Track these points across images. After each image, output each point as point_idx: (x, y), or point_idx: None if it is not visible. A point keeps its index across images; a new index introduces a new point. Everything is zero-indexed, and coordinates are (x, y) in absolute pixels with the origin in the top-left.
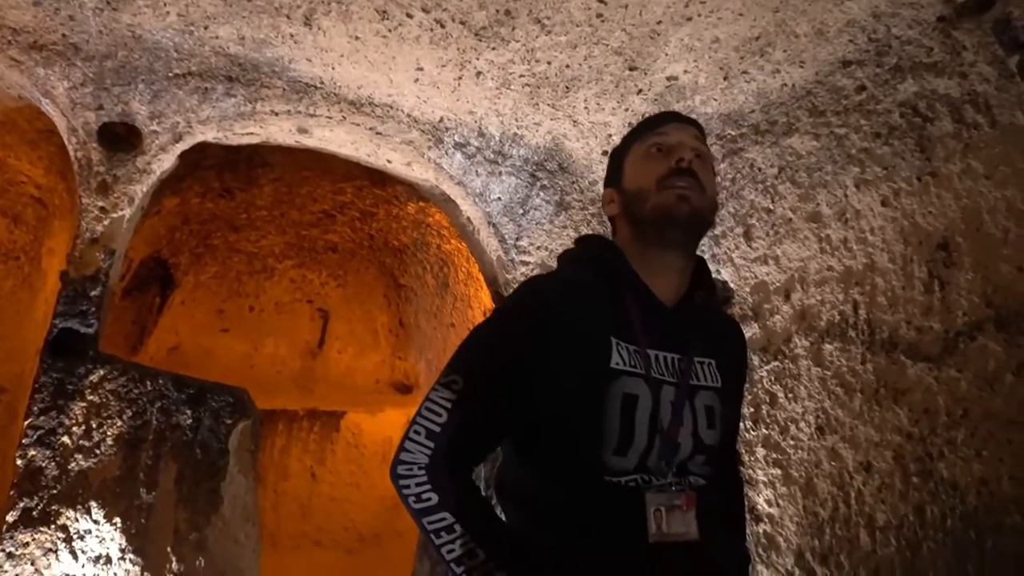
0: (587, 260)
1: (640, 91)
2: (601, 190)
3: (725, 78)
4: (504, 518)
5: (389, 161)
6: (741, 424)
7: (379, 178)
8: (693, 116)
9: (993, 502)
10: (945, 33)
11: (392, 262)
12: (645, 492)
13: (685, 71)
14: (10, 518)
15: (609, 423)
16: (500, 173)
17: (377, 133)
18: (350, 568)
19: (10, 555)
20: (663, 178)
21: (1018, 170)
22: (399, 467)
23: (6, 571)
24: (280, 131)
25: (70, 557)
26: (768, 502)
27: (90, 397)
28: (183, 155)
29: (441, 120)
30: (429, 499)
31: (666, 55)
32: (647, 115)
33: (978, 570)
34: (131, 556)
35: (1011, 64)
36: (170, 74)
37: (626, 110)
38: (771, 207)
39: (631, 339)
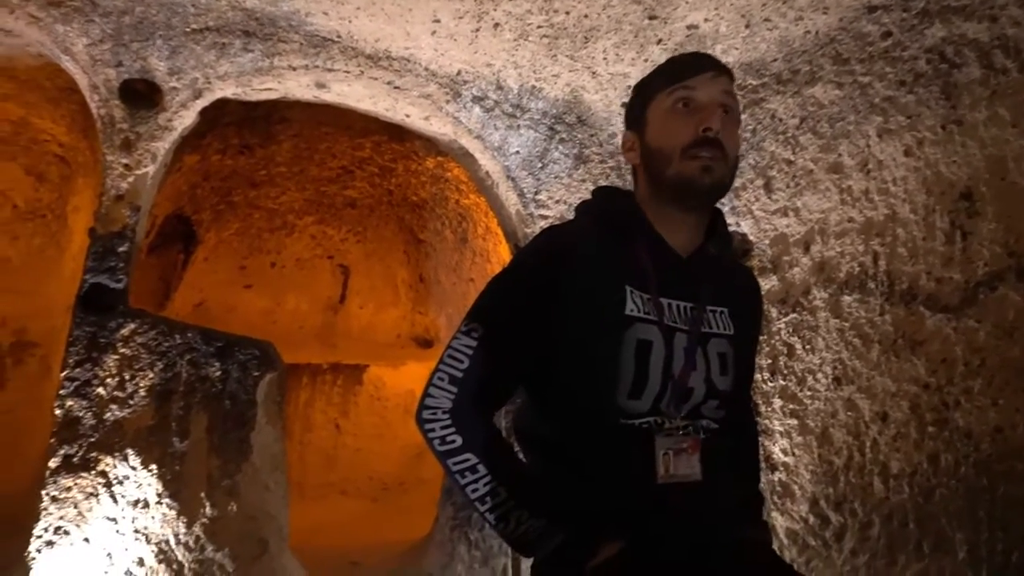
0: (603, 211)
1: (660, 40)
2: (620, 142)
3: (747, 26)
4: (527, 462)
5: (407, 116)
6: (759, 375)
7: (397, 133)
8: None
9: (1007, 449)
10: None
11: (411, 217)
12: (655, 435)
13: (706, 19)
14: (52, 464)
15: (624, 368)
16: (518, 127)
17: (395, 87)
18: (375, 515)
19: (54, 499)
20: (688, 147)
21: None
22: (424, 412)
23: (51, 513)
24: (298, 86)
25: (110, 501)
26: (784, 451)
27: (122, 350)
28: (203, 112)
29: (459, 73)
30: (453, 441)
31: (687, 3)
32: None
33: (989, 515)
34: (167, 500)
35: None
36: (187, 29)
37: (646, 61)
38: (792, 158)
39: (645, 288)
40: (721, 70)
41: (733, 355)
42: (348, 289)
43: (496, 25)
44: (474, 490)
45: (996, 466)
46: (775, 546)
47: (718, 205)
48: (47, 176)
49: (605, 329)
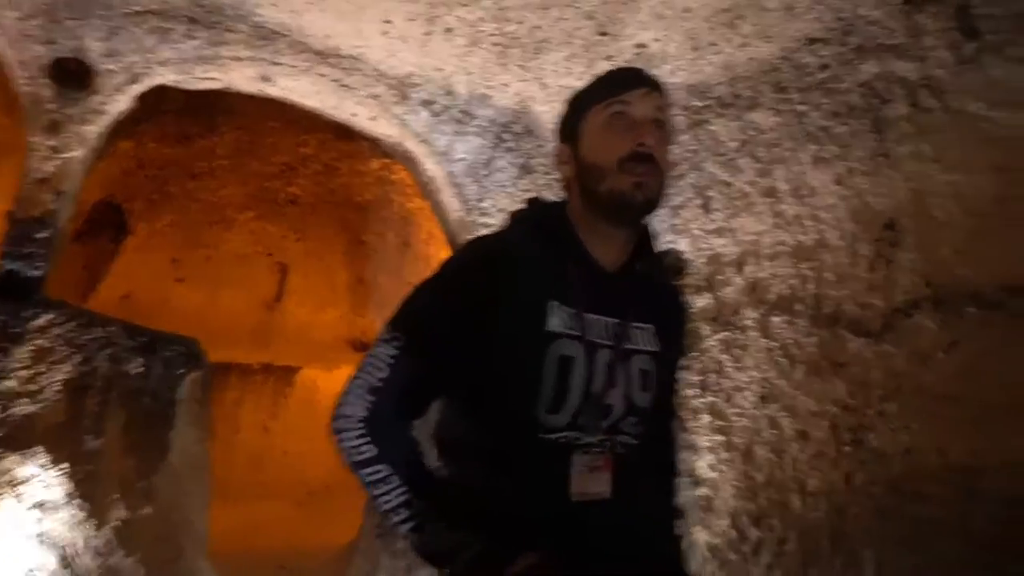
0: (534, 223)
1: (609, 57)
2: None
3: (694, 48)
4: (444, 469)
5: (354, 115)
6: (689, 391)
7: (343, 132)
8: None
9: (916, 471)
10: (908, 16)
11: (354, 218)
12: (572, 454)
13: (655, 39)
14: None
15: (545, 383)
16: (466, 133)
17: (342, 85)
18: (301, 519)
19: None
20: (622, 161)
21: (965, 155)
22: (338, 420)
23: None
24: (242, 77)
25: (14, 501)
26: (710, 467)
27: (36, 341)
28: (141, 97)
29: (409, 75)
30: (366, 452)
31: (637, 22)
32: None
33: (897, 533)
34: (77, 502)
35: (968, 50)
36: (128, 11)
37: (594, 75)
38: (730, 180)
39: (569, 302)
40: (654, 86)
41: (656, 372)
42: (285, 288)
43: (448, 30)
44: (387, 501)
45: (906, 487)
46: (696, 560)
47: (656, 221)
48: None
49: (527, 344)
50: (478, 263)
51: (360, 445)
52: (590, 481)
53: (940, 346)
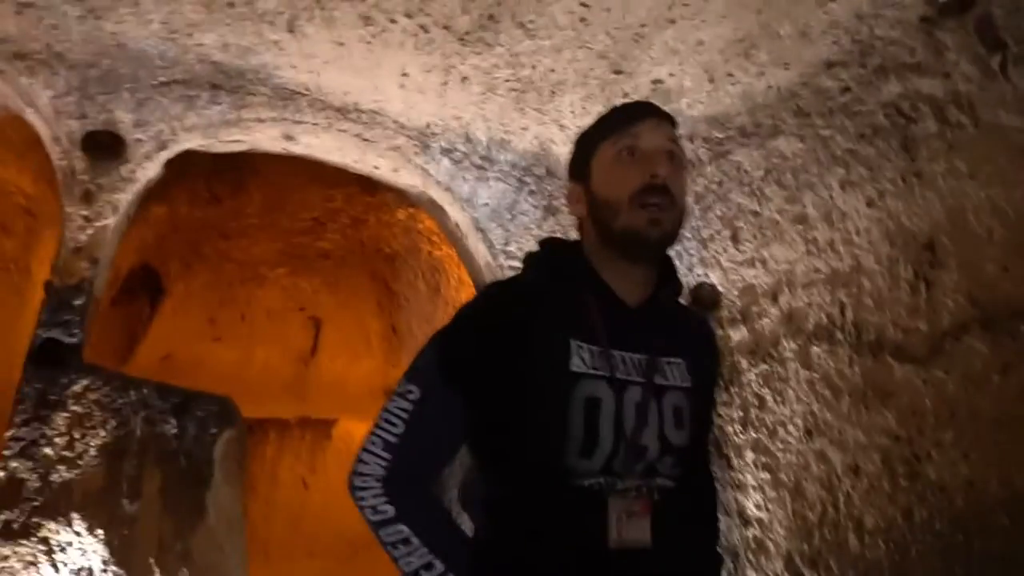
0: (549, 264)
1: (626, 94)
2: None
3: (710, 80)
4: (472, 530)
5: (376, 167)
6: (730, 428)
7: (368, 185)
8: (680, 119)
9: (981, 504)
10: (928, 33)
11: (384, 268)
12: (608, 497)
13: (670, 74)
14: None
15: (573, 427)
16: (487, 178)
17: (363, 139)
18: None
19: None
20: (636, 195)
21: (1001, 169)
22: (356, 479)
23: None
24: (266, 138)
25: (51, 570)
26: (757, 506)
27: (73, 407)
28: (169, 162)
29: (427, 126)
30: (385, 511)
31: (651, 58)
32: None
33: (966, 572)
34: (114, 568)
35: (993, 63)
36: (154, 82)
37: None
38: (758, 209)
39: (593, 340)
40: (663, 117)
41: (689, 408)
42: (320, 341)
43: (464, 79)
44: (408, 563)
45: (971, 522)
46: None
47: (686, 255)
48: (12, 228)
49: (551, 387)
50: (492, 308)
51: (378, 505)
52: (629, 528)
53: (994, 369)
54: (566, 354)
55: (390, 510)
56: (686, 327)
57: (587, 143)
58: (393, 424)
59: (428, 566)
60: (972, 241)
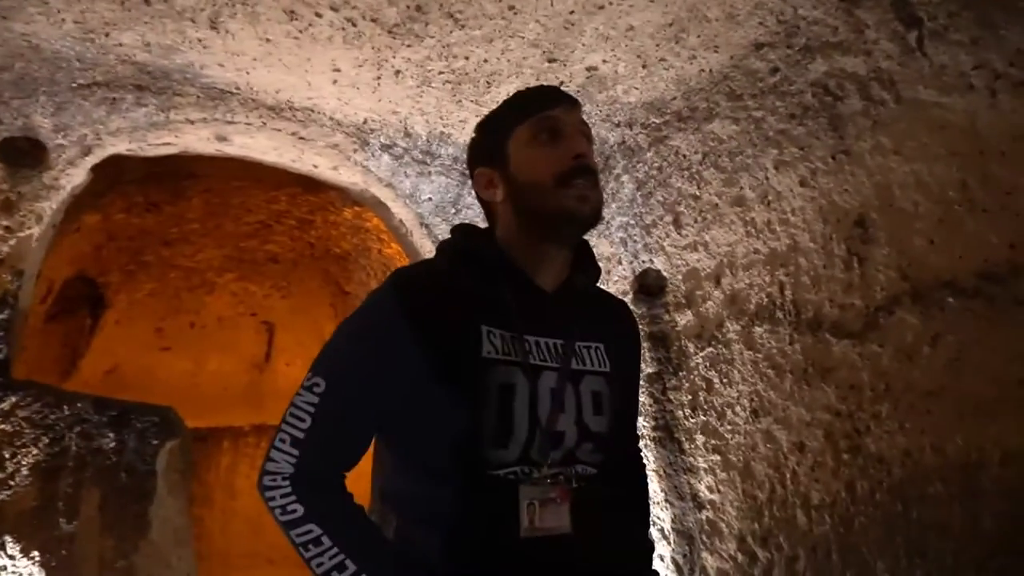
0: (461, 249)
1: (562, 83)
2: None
3: (644, 66)
4: (392, 522)
5: (315, 166)
6: (680, 412)
7: (312, 185)
8: (617, 106)
9: (917, 473)
10: (848, 12)
11: (336, 269)
12: (520, 485)
13: (604, 61)
14: None
15: (487, 416)
16: (430, 173)
17: (300, 138)
18: None
19: None
20: (563, 176)
21: (923, 144)
22: (264, 478)
23: None
24: (198, 140)
25: None
26: (709, 488)
27: (2, 426)
28: (100, 170)
29: (365, 122)
30: (295, 511)
31: (583, 45)
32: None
33: (906, 540)
34: None
35: (911, 39)
36: (74, 84)
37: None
38: (698, 193)
39: (506, 326)
40: (573, 101)
41: (609, 394)
42: (274, 346)
43: (397, 72)
44: (319, 564)
45: (909, 491)
46: None
47: (630, 241)
48: None
49: (462, 374)
50: (398, 294)
51: (287, 504)
52: (544, 515)
53: (924, 340)
54: (478, 340)
55: (299, 509)
56: (605, 311)
57: (499, 127)
58: (300, 419)
59: (340, 567)
60: (900, 216)
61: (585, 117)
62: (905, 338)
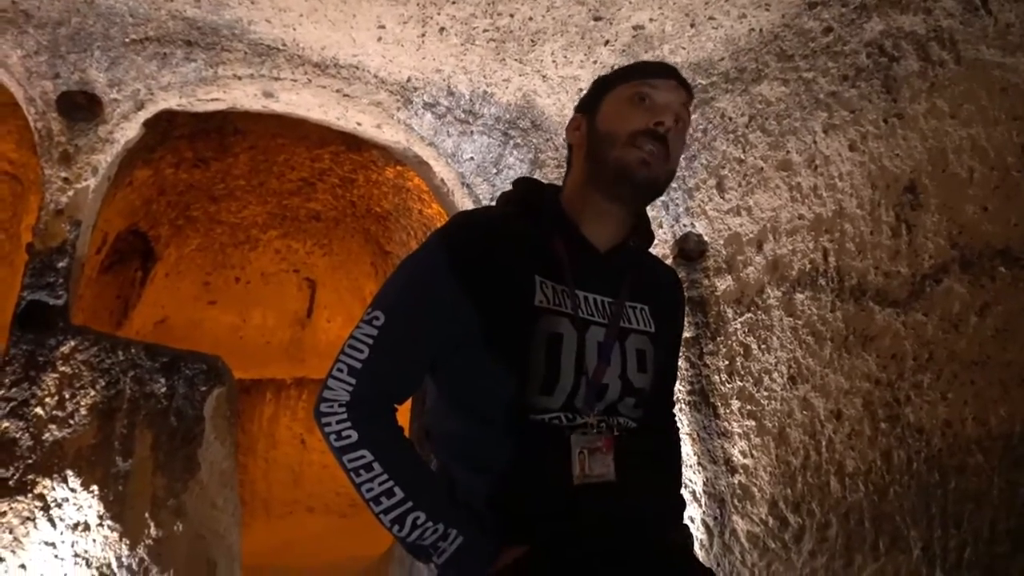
0: (521, 200)
1: (607, 42)
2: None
3: (692, 25)
4: (435, 463)
5: (359, 124)
6: (716, 377)
7: (355, 143)
8: None
9: (957, 443)
10: None
11: (376, 229)
12: (570, 433)
13: (651, 19)
14: None
15: (534, 362)
16: (472, 132)
17: (344, 95)
18: (344, 532)
19: None
20: (636, 134)
21: (982, 107)
22: (321, 405)
23: None
24: (245, 96)
25: (48, 525)
26: (743, 453)
27: (62, 368)
28: (151, 124)
29: (408, 80)
30: (349, 436)
31: (630, 3)
32: (616, 67)
33: (941, 510)
34: (109, 522)
35: None
36: (127, 40)
37: (595, 63)
38: (743, 157)
39: (558, 279)
40: (684, 85)
41: (653, 353)
42: (315, 303)
43: (442, 30)
44: (369, 489)
45: (947, 461)
46: (736, 551)
47: (672, 204)
48: None
49: (513, 319)
50: (456, 239)
51: (342, 430)
52: (592, 463)
53: (972, 310)
54: (531, 289)
55: (354, 435)
56: (653, 275)
57: (605, 81)
58: (359, 350)
59: (388, 492)
60: (953, 182)
61: None
62: (952, 307)
